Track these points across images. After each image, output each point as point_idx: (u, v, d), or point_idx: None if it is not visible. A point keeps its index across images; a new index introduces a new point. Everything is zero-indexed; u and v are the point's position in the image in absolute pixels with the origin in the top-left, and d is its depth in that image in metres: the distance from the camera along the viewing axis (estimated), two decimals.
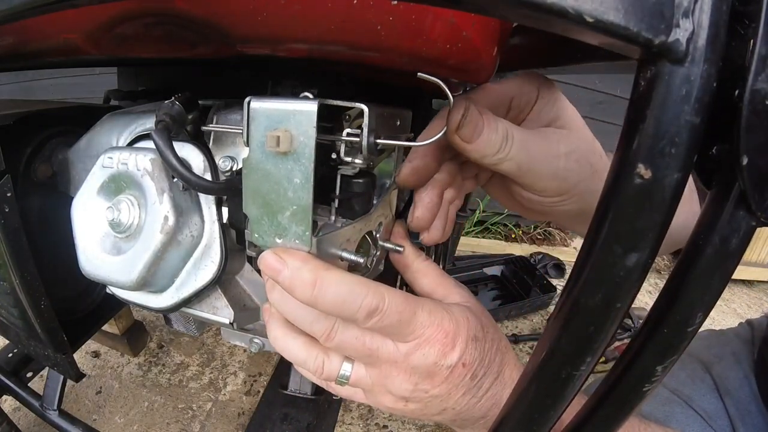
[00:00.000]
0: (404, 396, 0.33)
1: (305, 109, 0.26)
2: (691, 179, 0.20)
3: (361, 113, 0.29)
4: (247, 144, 0.28)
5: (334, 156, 0.32)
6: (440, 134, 0.30)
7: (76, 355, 0.54)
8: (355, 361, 0.33)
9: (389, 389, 0.33)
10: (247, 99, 0.28)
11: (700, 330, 0.20)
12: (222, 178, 0.37)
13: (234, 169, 0.36)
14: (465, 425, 0.35)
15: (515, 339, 1.57)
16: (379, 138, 0.29)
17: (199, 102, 0.37)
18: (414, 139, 0.32)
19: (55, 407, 0.81)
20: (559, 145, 0.33)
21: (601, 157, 0.36)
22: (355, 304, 0.28)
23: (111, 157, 0.37)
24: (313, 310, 0.30)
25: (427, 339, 0.31)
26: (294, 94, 0.29)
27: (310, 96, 0.28)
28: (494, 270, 1.85)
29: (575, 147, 0.34)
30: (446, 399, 0.33)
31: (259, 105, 0.27)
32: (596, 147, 0.36)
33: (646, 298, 1.86)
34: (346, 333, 0.31)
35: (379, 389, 0.33)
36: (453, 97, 0.29)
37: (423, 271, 0.37)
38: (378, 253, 0.37)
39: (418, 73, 0.28)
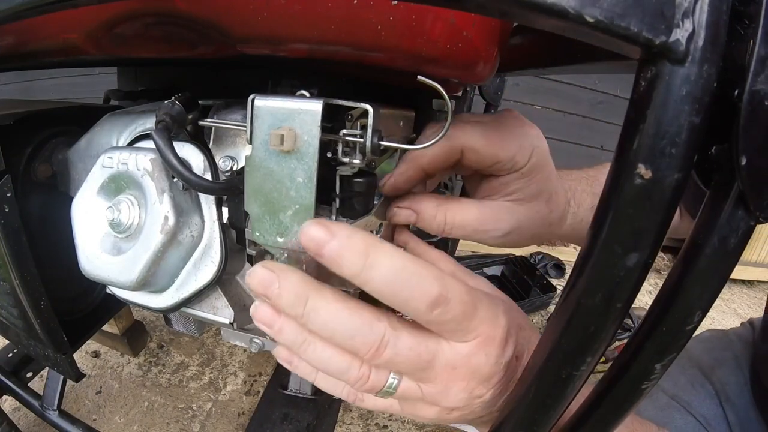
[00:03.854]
0: (455, 407, 0.27)
1: (310, 108, 0.26)
2: None
3: (364, 113, 0.29)
4: (250, 142, 0.28)
5: (329, 155, 0.32)
6: (438, 138, 0.29)
7: (76, 355, 0.54)
8: (405, 375, 0.27)
9: (439, 402, 0.27)
10: (251, 96, 0.27)
11: (701, 331, 0.20)
12: (222, 178, 0.37)
13: (234, 168, 0.36)
14: (485, 423, 0.31)
15: None
16: (382, 139, 0.29)
17: (199, 102, 0.36)
18: (415, 141, 0.32)
19: (55, 407, 0.81)
20: (546, 220, 0.36)
21: (573, 194, 0.40)
22: (419, 289, 0.22)
23: (111, 157, 0.37)
24: (356, 319, 0.24)
25: (489, 336, 0.26)
26: (293, 93, 0.29)
27: (307, 94, 0.28)
28: (494, 270, 1.85)
29: (559, 214, 0.38)
30: (497, 401, 0.28)
31: (263, 103, 0.27)
32: (568, 195, 0.39)
33: (646, 298, 1.85)
34: (399, 344, 0.24)
35: (424, 404, 0.28)
36: (450, 100, 0.29)
37: (436, 257, 0.34)
38: None
39: (418, 77, 0.27)
